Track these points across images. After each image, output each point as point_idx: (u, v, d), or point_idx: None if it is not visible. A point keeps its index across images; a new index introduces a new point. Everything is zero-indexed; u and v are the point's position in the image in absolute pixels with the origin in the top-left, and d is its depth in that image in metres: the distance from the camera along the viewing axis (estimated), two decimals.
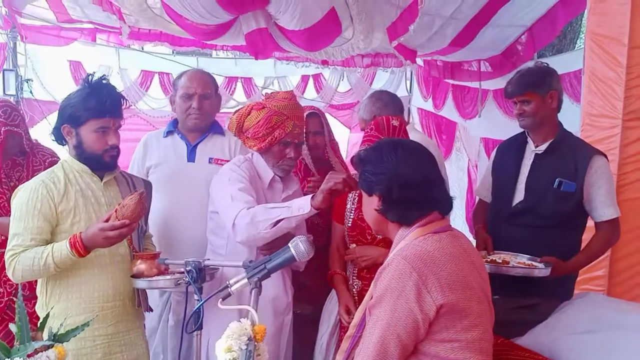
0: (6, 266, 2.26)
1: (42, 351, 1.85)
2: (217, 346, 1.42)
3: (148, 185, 2.65)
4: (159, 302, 3.04)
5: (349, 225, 2.70)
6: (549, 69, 2.84)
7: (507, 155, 2.96)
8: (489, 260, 2.61)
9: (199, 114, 2.98)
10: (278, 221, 2.30)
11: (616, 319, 2.02)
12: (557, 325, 2.15)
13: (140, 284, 2.32)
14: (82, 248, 2.19)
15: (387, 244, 1.82)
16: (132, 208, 2.20)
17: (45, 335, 1.96)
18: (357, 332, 1.77)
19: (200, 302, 1.86)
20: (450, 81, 6.03)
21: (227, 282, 1.76)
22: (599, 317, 2.07)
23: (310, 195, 2.31)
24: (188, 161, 3.02)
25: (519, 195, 2.81)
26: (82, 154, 2.36)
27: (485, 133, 5.71)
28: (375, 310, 1.66)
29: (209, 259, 2.21)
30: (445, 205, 1.81)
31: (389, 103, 3.39)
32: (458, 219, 5.85)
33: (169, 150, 3.03)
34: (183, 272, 2.28)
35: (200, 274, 2.06)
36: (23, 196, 2.29)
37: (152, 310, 2.61)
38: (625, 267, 3.18)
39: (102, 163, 2.38)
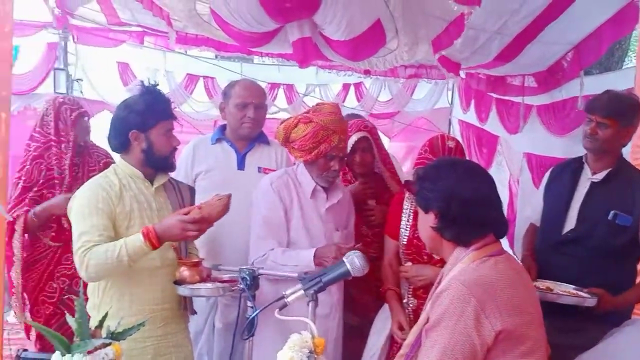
0: (78, 264, 2.28)
1: (100, 348, 1.91)
2: (278, 356, 1.45)
3: (192, 192, 2.73)
4: (206, 305, 3.10)
5: (404, 242, 2.72)
6: (638, 104, 2.69)
7: (560, 179, 2.88)
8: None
9: (253, 123, 3.07)
10: None
11: None
12: (606, 353, 2.10)
13: (183, 291, 2.37)
14: (156, 239, 2.24)
15: (444, 265, 1.82)
16: (218, 209, 2.29)
17: (103, 333, 2.02)
18: (410, 351, 1.77)
19: (257, 311, 1.90)
20: (494, 95, 5.96)
21: (284, 293, 1.80)
22: None
23: (315, 254, 2.53)
24: (238, 169, 3.10)
25: (570, 223, 2.73)
26: (151, 157, 2.43)
27: (528, 148, 5.62)
28: (432, 333, 1.67)
29: (262, 268, 2.26)
30: (501, 228, 1.81)
31: None
32: None
33: (219, 158, 3.11)
34: (225, 281, 2.34)
35: (254, 282, 2.10)
36: (84, 197, 2.35)
37: (195, 313, 2.66)
38: None
39: (167, 164, 2.50)
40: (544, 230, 2.91)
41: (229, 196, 2.31)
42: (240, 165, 3.09)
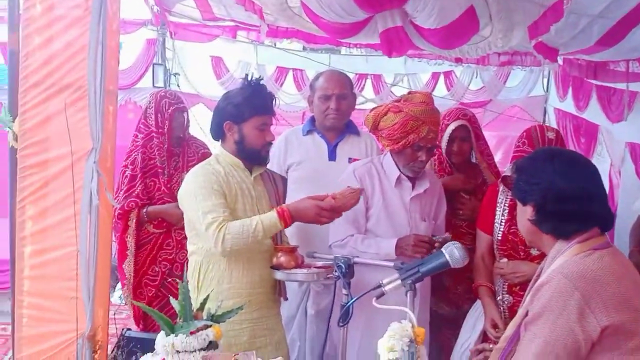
0: (212, 239, 2.34)
1: (202, 330, 2.02)
2: (379, 344, 1.48)
3: (285, 182, 2.80)
4: (298, 292, 3.17)
5: (499, 238, 2.65)
6: None
7: None
8: None
9: (337, 114, 3.08)
10: None
11: None
12: None
13: (280, 275, 2.44)
14: (290, 218, 2.36)
15: (542, 261, 1.77)
16: (352, 200, 2.39)
17: (204, 315, 2.13)
18: (508, 345, 1.74)
19: (353, 299, 1.92)
20: (594, 81, 5.65)
21: (380, 282, 1.81)
22: None
23: (396, 244, 2.52)
24: (329, 160, 3.13)
25: None
26: (243, 149, 2.51)
27: (632, 138, 5.30)
28: (533, 327, 1.63)
29: (358, 257, 2.30)
30: (606, 221, 1.73)
31: None
32: None
33: (311, 149, 3.16)
34: (320, 267, 2.39)
35: (350, 270, 2.13)
36: (197, 181, 2.45)
37: (287, 299, 2.74)
38: None
39: (259, 158, 2.55)
40: None
41: (361, 190, 2.38)
42: (332, 156, 3.12)
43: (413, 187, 2.73)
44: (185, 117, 3.42)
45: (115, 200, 3.25)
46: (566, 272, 1.61)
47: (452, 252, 1.78)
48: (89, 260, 2.85)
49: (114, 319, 4.47)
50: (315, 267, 2.44)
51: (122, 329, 3.44)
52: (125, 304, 3.39)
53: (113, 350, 3.10)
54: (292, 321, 3.12)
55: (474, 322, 2.71)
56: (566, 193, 1.67)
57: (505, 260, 2.61)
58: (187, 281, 2.06)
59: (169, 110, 3.31)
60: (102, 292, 2.96)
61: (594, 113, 5.85)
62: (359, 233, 2.66)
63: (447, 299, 2.92)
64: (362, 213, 2.68)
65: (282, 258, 2.44)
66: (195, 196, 2.41)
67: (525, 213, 1.76)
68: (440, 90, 7.10)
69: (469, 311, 2.79)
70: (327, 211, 2.36)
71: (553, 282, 1.61)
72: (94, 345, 2.85)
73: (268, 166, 2.75)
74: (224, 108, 2.52)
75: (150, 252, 3.29)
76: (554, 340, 1.56)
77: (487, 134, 7.30)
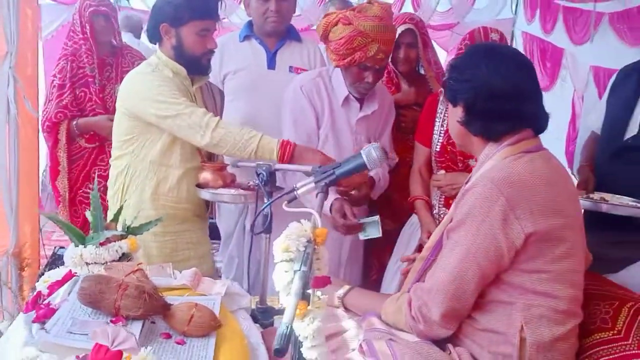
0: (199, 126, 2.15)
1: (114, 241, 1.89)
2: (274, 245, 1.34)
3: (223, 96, 2.64)
4: (234, 208, 3.04)
5: (437, 149, 2.51)
6: None
7: (625, 83, 2.61)
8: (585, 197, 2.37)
9: (277, 17, 2.81)
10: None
11: None
12: None
13: (205, 194, 2.30)
14: (289, 157, 2.15)
15: None
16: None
17: (119, 226, 2.00)
18: (431, 255, 1.64)
19: (267, 204, 1.79)
20: (561, 2, 5.49)
21: (294, 186, 1.68)
22: None
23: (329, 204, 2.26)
24: (268, 68, 2.89)
25: (633, 129, 2.50)
26: (181, 56, 2.30)
27: (596, 61, 5.21)
28: (455, 234, 1.52)
29: (279, 163, 2.13)
30: (539, 122, 1.60)
31: None
32: (556, 153, 5.48)
33: (248, 56, 2.91)
34: (248, 189, 2.25)
35: (271, 178, 1.98)
36: (153, 85, 2.22)
37: (212, 218, 2.61)
38: None
39: (200, 66, 2.34)
40: (604, 138, 2.67)
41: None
42: (271, 64, 2.88)
43: (361, 107, 2.55)
44: (113, 23, 3.15)
45: (44, 112, 3.06)
46: (492, 177, 1.49)
47: (370, 153, 1.63)
48: (10, 173, 2.71)
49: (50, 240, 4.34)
50: (243, 189, 2.28)
51: (55, 247, 3.33)
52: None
53: (45, 267, 3.00)
54: (230, 238, 3.01)
55: (409, 237, 2.63)
56: (497, 90, 1.53)
57: (443, 172, 2.50)
58: (97, 189, 1.91)
59: (87, 13, 3.06)
60: (28, 208, 2.83)
61: (559, 36, 5.73)
62: None
63: (392, 215, 2.81)
64: (314, 131, 2.52)
65: (208, 176, 2.29)
66: (157, 97, 2.19)
67: (455, 114, 1.63)
68: (407, 10, 6.83)
69: (404, 227, 2.70)
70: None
71: (478, 187, 1.49)
72: (20, 263, 2.74)
73: None
74: (161, 7, 2.28)
75: (84, 168, 3.12)
76: (476, 248, 1.47)
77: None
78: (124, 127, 2.34)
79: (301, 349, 1.25)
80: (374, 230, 2.23)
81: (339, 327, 1.78)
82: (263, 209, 1.74)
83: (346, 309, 1.84)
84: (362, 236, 2.27)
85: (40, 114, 3.00)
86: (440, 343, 1.57)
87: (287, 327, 1.01)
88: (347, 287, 1.86)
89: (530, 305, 1.48)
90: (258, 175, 1.91)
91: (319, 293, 1.30)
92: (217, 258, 3.05)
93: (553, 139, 1.78)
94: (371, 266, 2.88)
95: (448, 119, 1.74)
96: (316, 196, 1.55)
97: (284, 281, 1.23)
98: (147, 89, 2.23)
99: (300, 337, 1.24)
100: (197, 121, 2.17)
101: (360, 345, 1.61)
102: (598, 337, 1.57)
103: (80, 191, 3.15)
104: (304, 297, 1.21)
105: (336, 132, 2.54)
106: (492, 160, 1.56)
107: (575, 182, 2.58)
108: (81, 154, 3.12)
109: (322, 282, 1.30)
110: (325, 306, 1.29)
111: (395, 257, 2.66)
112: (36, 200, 2.90)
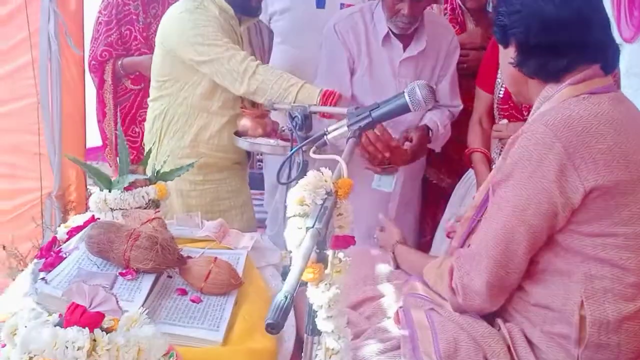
0: (240, 71, 2.04)
1: (142, 186, 1.80)
2: (288, 196, 1.15)
3: (272, 35, 2.50)
4: (280, 157, 2.91)
5: (500, 96, 2.24)
6: None
7: None
8: None
9: None
10: None
11: None
12: None
13: (242, 143, 2.17)
14: (333, 103, 2.00)
15: None
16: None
17: (148, 171, 1.91)
18: (476, 214, 1.43)
19: (293, 150, 1.63)
20: None
21: (325, 129, 1.49)
22: None
23: None
24: (317, 7, 2.70)
25: None
26: None
27: None
28: (501, 189, 1.30)
29: (315, 105, 1.95)
30: (607, 55, 1.34)
31: None
32: None
33: None
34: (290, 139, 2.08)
35: (306, 122, 1.81)
36: (197, 24, 2.09)
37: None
38: None
39: (248, 7, 2.23)
40: None
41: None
42: (320, 2, 2.67)
43: (405, 47, 2.29)
44: None
45: (91, 51, 2.98)
46: (546, 120, 1.25)
47: (414, 91, 1.38)
48: (53, 112, 2.64)
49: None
50: (282, 140, 2.12)
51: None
52: (111, 167, 3.19)
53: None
54: (276, 188, 2.88)
55: (463, 194, 2.39)
56: (555, 19, 1.27)
57: (505, 121, 2.22)
58: (122, 132, 1.80)
59: None
60: (74, 150, 2.78)
61: None
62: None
63: (448, 170, 2.59)
64: (345, 78, 2.28)
65: (247, 123, 2.16)
66: (196, 39, 2.06)
67: (507, 56, 1.38)
68: None
69: (459, 182, 2.46)
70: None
71: (528, 133, 1.26)
72: (64, 206, 2.71)
73: None
74: None
75: (130, 111, 3.03)
76: (525, 205, 1.24)
77: None
78: (162, 66, 2.24)
79: (315, 320, 1.09)
80: (387, 183, 2.14)
81: (376, 291, 1.63)
82: (290, 156, 1.57)
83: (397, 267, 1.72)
84: (374, 185, 2.15)
85: (87, 53, 2.93)
86: (489, 318, 1.38)
87: (286, 297, 0.84)
88: (397, 237, 1.74)
89: (592, 276, 1.25)
90: (292, 118, 1.74)
91: (341, 254, 1.13)
92: (262, 209, 2.94)
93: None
94: (425, 227, 2.69)
95: (500, 63, 1.49)
96: (346, 142, 1.36)
97: (297, 239, 1.05)
98: (188, 29, 2.10)
99: (314, 305, 1.08)
100: (235, 67, 2.04)
101: (397, 312, 1.45)
102: None
103: (127, 136, 3.08)
104: (321, 259, 1.06)
105: (376, 77, 2.30)
106: (550, 102, 1.32)
107: None
108: (127, 95, 3.03)
109: (344, 242, 1.13)
110: (347, 270, 1.12)
111: (447, 216, 2.44)
112: (82, 142, 2.85)
